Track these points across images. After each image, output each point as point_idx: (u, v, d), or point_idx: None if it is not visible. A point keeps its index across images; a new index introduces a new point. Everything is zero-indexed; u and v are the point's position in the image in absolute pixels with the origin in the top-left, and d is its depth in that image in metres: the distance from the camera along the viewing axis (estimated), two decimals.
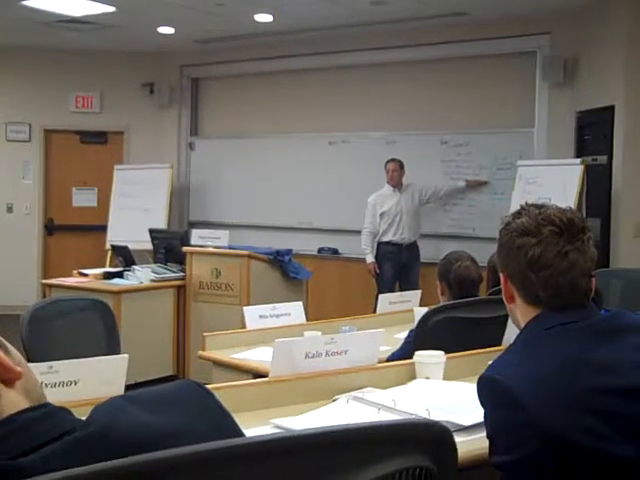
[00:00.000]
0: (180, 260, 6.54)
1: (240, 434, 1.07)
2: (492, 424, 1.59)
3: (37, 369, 2.07)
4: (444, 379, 2.61)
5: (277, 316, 3.95)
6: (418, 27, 7.56)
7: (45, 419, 0.98)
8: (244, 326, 3.90)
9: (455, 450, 1.12)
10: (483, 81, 7.60)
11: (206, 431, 1.01)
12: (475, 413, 1.99)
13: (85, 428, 0.96)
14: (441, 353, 2.65)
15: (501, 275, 1.79)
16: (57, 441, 0.94)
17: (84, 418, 1.01)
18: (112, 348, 3.48)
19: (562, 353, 1.59)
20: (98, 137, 9.41)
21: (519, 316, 1.76)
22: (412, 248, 7.21)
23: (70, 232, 9.22)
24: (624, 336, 1.63)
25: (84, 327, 3.67)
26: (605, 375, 1.55)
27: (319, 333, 3.15)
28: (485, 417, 1.62)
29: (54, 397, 1.19)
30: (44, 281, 6.83)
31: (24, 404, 1.01)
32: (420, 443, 1.08)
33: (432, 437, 1.10)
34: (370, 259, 7.19)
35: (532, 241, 1.69)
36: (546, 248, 1.68)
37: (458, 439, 1.99)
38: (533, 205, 1.78)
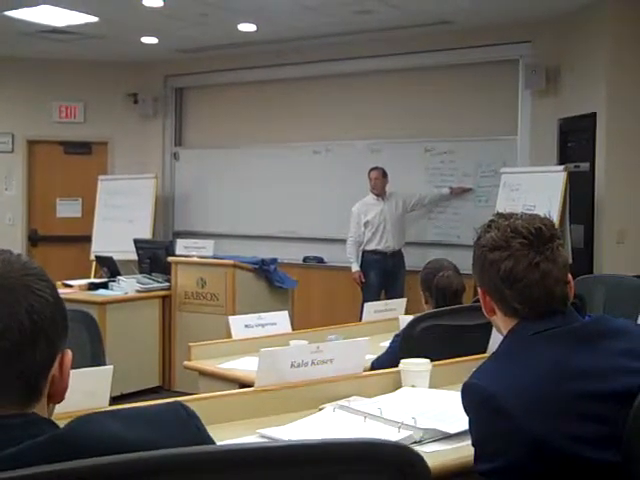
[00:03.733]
0: (165, 270, 6.53)
1: None
2: (477, 431, 1.59)
3: None
4: (430, 387, 2.61)
5: (263, 325, 3.95)
6: (402, 36, 7.60)
7: (23, 426, 1.04)
8: (230, 336, 3.89)
9: (425, 474, 1.08)
10: (466, 89, 7.64)
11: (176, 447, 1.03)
12: (461, 421, 1.99)
13: (54, 433, 1.01)
14: (427, 361, 2.66)
15: (479, 289, 1.80)
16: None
17: None
18: (97, 359, 3.46)
19: (545, 359, 1.60)
20: (82, 147, 9.37)
21: (501, 327, 1.77)
22: (397, 256, 7.22)
23: (54, 243, 9.17)
24: (606, 341, 1.64)
25: (68, 338, 3.64)
26: (588, 380, 1.56)
27: (305, 342, 3.15)
28: (470, 424, 1.62)
29: None
30: None
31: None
32: (384, 465, 1.05)
33: (398, 460, 1.06)
34: (355, 268, 7.20)
35: (503, 255, 1.69)
36: (517, 261, 1.68)
37: (443, 447, 2.01)
38: (502, 216, 1.78)
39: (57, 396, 1.15)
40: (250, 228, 8.68)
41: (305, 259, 8.34)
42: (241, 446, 1.00)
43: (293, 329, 4.15)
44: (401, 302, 4.75)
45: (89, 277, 7.45)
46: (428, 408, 2.30)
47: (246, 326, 3.90)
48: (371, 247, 7.18)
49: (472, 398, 1.60)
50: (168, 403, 1.17)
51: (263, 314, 4.03)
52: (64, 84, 9.13)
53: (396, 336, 3.26)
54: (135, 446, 0.97)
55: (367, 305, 4.69)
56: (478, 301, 1.84)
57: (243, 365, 3.40)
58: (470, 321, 3.05)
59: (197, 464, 0.96)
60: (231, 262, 6.26)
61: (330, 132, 8.28)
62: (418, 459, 1.07)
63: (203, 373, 3.51)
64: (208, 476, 0.96)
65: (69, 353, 1.16)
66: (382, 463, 1.05)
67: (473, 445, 1.60)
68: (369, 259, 7.19)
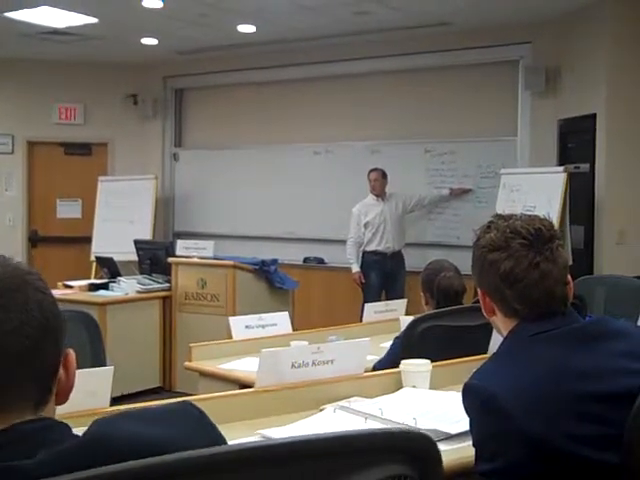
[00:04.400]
0: (165, 271, 6.53)
1: None
2: (477, 432, 1.60)
3: None
4: (430, 388, 2.61)
5: (263, 326, 3.95)
6: (401, 37, 7.60)
7: (45, 430, 1.03)
8: (230, 336, 3.89)
9: (439, 460, 1.13)
10: (466, 90, 7.64)
11: (197, 445, 1.03)
12: (462, 421, 1.99)
13: (81, 437, 1.01)
14: (427, 362, 2.66)
15: (479, 291, 1.80)
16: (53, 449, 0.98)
17: (76, 431, 1.05)
18: (97, 360, 3.46)
19: (545, 360, 1.60)
20: (82, 149, 9.37)
21: (502, 328, 1.77)
22: (397, 257, 7.22)
23: (54, 244, 9.17)
24: (606, 342, 1.64)
25: (69, 339, 3.63)
26: (588, 381, 1.56)
27: (306, 343, 3.15)
28: (470, 425, 1.62)
29: None
30: None
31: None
32: (402, 452, 1.09)
33: (414, 447, 1.11)
34: (355, 269, 7.19)
35: (502, 256, 1.70)
36: (517, 261, 1.68)
37: (445, 447, 2.01)
38: (501, 217, 1.78)
39: (62, 397, 1.14)
40: (250, 229, 8.68)
41: (305, 260, 8.34)
42: (278, 441, 1.02)
43: (294, 330, 4.15)
44: (402, 303, 4.76)
45: (89, 278, 7.45)
46: (429, 409, 2.30)
47: (246, 327, 3.90)
48: (371, 248, 7.18)
49: (473, 399, 1.60)
50: (178, 402, 1.17)
51: (264, 315, 4.04)
52: (64, 85, 9.13)
53: (396, 338, 3.26)
54: (164, 446, 0.98)
55: (367, 306, 4.69)
56: (478, 302, 1.84)
57: (244, 366, 3.40)
58: (471, 322, 3.05)
59: (237, 461, 0.98)
60: (231, 263, 6.26)
61: (330, 133, 8.28)
62: (436, 447, 1.13)
63: (204, 374, 3.51)
64: (250, 471, 0.99)
65: (72, 353, 1.15)
66: (406, 451, 1.10)
67: (474, 445, 1.60)
68: (369, 260, 7.19)
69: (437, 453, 1.12)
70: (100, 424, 1.03)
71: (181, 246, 6.77)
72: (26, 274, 1.11)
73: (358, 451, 1.06)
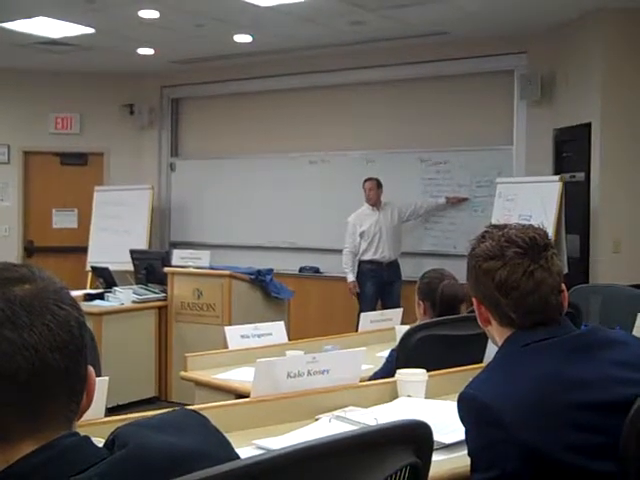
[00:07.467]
0: (161, 281, 6.52)
1: (238, 456, 1.11)
2: (473, 442, 1.60)
3: None
4: (426, 397, 2.61)
5: (259, 336, 3.94)
6: (397, 46, 7.62)
7: (82, 444, 1.03)
8: (226, 346, 3.89)
9: (432, 444, 1.28)
10: (461, 99, 7.66)
11: (217, 452, 1.07)
12: (457, 431, 1.99)
13: (122, 448, 1.01)
14: (423, 371, 2.66)
15: (474, 300, 1.80)
16: (99, 463, 0.99)
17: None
18: None
19: (540, 369, 1.60)
20: (78, 158, 9.37)
21: (497, 337, 1.77)
22: (393, 266, 7.22)
23: (50, 254, 9.16)
24: (601, 351, 1.65)
25: None
26: (583, 390, 1.56)
27: (301, 352, 3.14)
28: (466, 435, 1.62)
29: None
30: None
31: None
32: (411, 442, 1.21)
33: (420, 435, 1.24)
34: (351, 278, 7.19)
35: (497, 264, 1.70)
36: (512, 270, 1.69)
37: (440, 457, 2.01)
38: (495, 226, 1.79)
39: (82, 414, 1.11)
40: (246, 238, 8.68)
41: (301, 269, 8.34)
42: (317, 441, 1.11)
43: (289, 339, 4.15)
44: (397, 312, 4.75)
45: (85, 288, 7.43)
46: (424, 418, 2.29)
47: (242, 336, 3.90)
48: (367, 257, 7.18)
49: (468, 408, 1.60)
50: (179, 410, 1.18)
51: (259, 324, 4.03)
52: (60, 95, 9.14)
53: (392, 350, 3.24)
54: (196, 454, 1.01)
55: (363, 315, 4.68)
56: (473, 311, 1.85)
57: (239, 376, 3.39)
58: (466, 331, 3.05)
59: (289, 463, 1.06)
60: (227, 272, 6.25)
61: (326, 142, 8.29)
62: (432, 434, 1.27)
63: (199, 384, 3.50)
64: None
65: (92, 370, 1.12)
66: (414, 441, 1.23)
67: (469, 455, 1.60)
68: (365, 269, 7.18)
69: (433, 440, 1.27)
70: (128, 436, 1.03)
71: (177, 256, 6.77)
72: (63, 288, 1.08)
73: (376, 445, 1.15)
